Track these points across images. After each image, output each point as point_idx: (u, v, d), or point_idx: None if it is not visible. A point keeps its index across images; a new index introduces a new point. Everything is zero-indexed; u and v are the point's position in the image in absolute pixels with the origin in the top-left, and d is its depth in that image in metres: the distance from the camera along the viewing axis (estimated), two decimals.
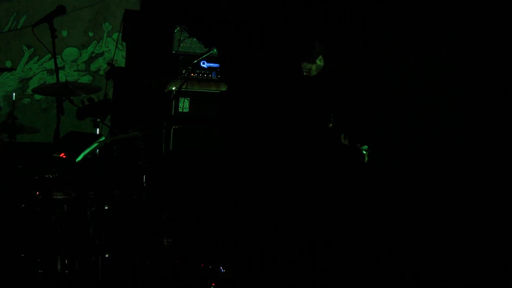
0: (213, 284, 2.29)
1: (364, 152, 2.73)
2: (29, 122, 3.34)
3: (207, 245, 2.53)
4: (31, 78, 3.62)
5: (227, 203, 2.92)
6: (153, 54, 3.42)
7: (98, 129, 2.71)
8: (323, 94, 2.84)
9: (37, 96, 3.62)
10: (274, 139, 3.01)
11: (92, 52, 3.74)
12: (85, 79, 3.77)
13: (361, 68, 3.03)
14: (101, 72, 3.79)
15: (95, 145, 2.40)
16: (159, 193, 2.54)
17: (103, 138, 2.48)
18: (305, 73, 2.83)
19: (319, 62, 2.81)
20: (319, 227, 2.71)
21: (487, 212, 2.56)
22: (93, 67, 3.77)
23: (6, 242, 2.22)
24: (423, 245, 2.59)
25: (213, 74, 3.36)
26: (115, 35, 3.76)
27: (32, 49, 3.55)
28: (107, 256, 2.29)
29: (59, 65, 2.69)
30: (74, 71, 3.72)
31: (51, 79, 3.61)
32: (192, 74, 3.24)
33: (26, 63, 3.58)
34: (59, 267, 2.24)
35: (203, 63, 3.32)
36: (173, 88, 3.22)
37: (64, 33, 3.63)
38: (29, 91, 3.61)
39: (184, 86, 2.94)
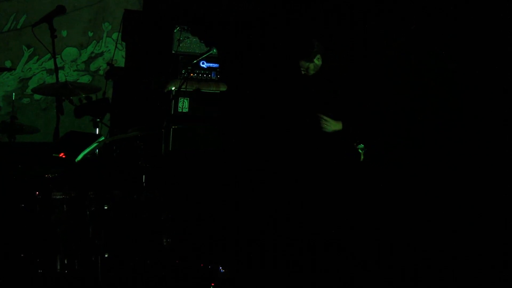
0: (213, 284, 2.30)
1: (360, 151, 2.74)
2: (29, 122, 3.34)
3: (207, 245, 2.54)
4: (30, 78, 3.63)
5: (227, 203, 2.93)
6: (152, 54, 3.43)
7: (97, 129, 2.72)
8: (323, 94, 2.85)
9: (37, 96, 3.63)
10: (274, 139, 3.02)
11: (92, 52, 3.75)
12: (85, 79, 3.78)
13: (361, 68, 3.04)
14: (101, 72, 3.80)
15: (94, 145, 2.41)
16: (159, 193, 2.54)
17: (102, 138, 2.48)
18: (303, 72, 2.83)
19: (317, 61, 2.82)
20: (319, 227, 2.71)
21: (487, 212, 2.57)
22: (92, 67, 3.78)
23: (6, 242, 2.23)
24: (423, 245, 2.60)
25: (212, 74, 3.37)
26: (114, 35, 3.77)
27: (31, 49, 3.56)
28: (106, 256, 2.29)
29: (58, 65, 2.70)
30: (74, 71, 3.73)
31: (50, 79, 3.62)
32: (191, 74, 3.25)
33: (26, 63, 3.59)
34: (58, 267, 2.24)
35: (203, 63, 3.33)
36: (173, 88, 3.23)
37: (64, 33, 3.64)
38: (28, 91, 3.62)
39: (183, 86, 2.95)
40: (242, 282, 2.45)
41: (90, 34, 3.74)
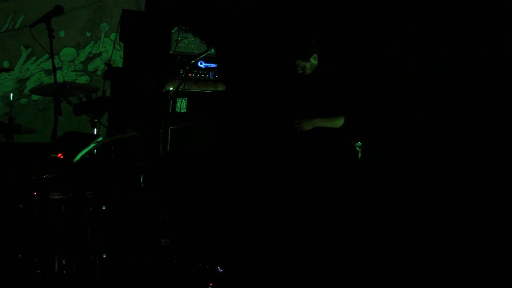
0: (211, 284, 2.33)
1: (358, 148, 2.77)
2: (27, 123, 3.38)
3: (205, 245, 2.57)
4: (28, 78, 3.67)
5: (226, 203, 2.96)
6: (150, 55, 3.47)
7: (95, 129, 2.75)
8: (323, 94, 2.89)
9: (35, 97, 3.67)
10: (274, 139, 3.05)
11: (90, 53, 3.79)
12: (83, 79, 3.81)
13: (361, 68, 3.08)
14: (99, 72, 3.83)
15: (92, 145, 2.44)
16: (157, 193, 2.57)
17: (100, 138, 2.52)
18: (299, 71, 2.87)
19: (314, 60, 2.86)
20: (319, 227, 2.74)
21: (487, 212, 2.60)
22: (90, 67, 3.82)
23: (4, 242, 2.26)
24: (423, 245, 2.63)
25: (210, 74, 3.40)
26: (112, 35, 3.81)
27: (29, 49, 3.60)
28: (104, 256, 2.32)
29: (56, 66, 2.73)
30: (72, 71, 3.77)
31: (48, 79, 3.65)
32: (189, 74, 3.29)
33: (24, 63, 3.63)
34: (57, 267, 2.27)
35: (201, 63, 3.37)
36: (171, 88, 3.27)
37: (62, 33, 3.68)
38: (26, 91, 3.66)
39: (181, 87, 2.99)
40: (241, 282, 2.47)
41: (88, 34, 3.78)
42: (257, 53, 3.39)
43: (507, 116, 2.67)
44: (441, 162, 2.79)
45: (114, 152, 2.65)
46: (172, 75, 3.31)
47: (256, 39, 3.40)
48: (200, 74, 3.38)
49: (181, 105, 3.31)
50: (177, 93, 3.21)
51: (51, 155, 2.47)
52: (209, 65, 3.40)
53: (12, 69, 3.57)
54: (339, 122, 2.83)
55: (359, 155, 2.79)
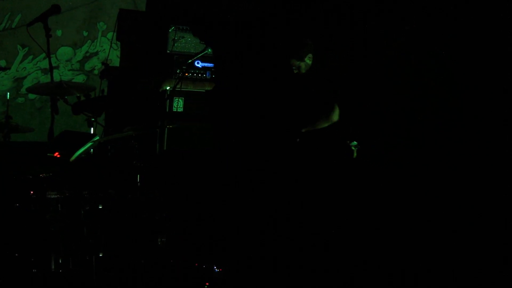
0: (207, 284, 2.36)
1: (353, 148, 2.82)
2: (23, 122, 3.43)
3: (202, 245, 2.60)
4: (25, 77, 3.71)
5: (223, 202, 3.00)
6: (147, 54, 3.51)
7: (92, 129, 2.80)
8: (323, 94, 2.93)
9: (31, 96, 3.71)
10: (274, 139, 3.09)
11: (87, 52, 3.84)
12: (79, 78, 3.86)
13: (361, 68, 3.12)
14: (96, 72, 3.88)
15: (89, 144, 2.48)
16: (154, 193, 2.61)
17: (97, 138, 2.56)
18: (295, 71, 2.92)
19: (308, 60, 2.92)
20: (319, 227, 2.77)
21: (487, 212, 2.63)
22: (87, 66, 3.87)
23: (0, 241, 2.29)
24: (423, 245, 2.66)
25: (207, 74, 3.45)
26: (109, 35, 3.86)
27: (26, 49, 3.65)
28: (101, 255, 2.35)
29: (53, 65, 2.79)
30: (69, 70, 3.81)
31: (45, 79, 3.70)
32: (186, 74, 3.33)
33: (21, 62, 3.67)
34: (53, 266, 2.30)
35: (198, 63, 3.41)
36: (167, 88, 3.31)
37: (59, 33, 3.73)
38: (23, 90, 3.70)
39: (178, 86, 3.03)
40: (239, 282, 2.50)
41: (85, 33, 3.83)
42: (255, 53, 3.43)
43: (507, 116, 2.71)
44: (441, 162, 2.83)
45: (110, 152, 2.69)
46: (169, 74, 3.36)
47: (256, 39, 3.45)
48: (197, 74, 3.43)
49: (178, 104, 3.35)
50: (174, 93, 3.26)
51: (48, 154, 2.51)
52: (206, 64, 3.45)
53: (9, 68, 3.61)
54: (332, 117, 2.88)
55: (355, 154, 2.83)
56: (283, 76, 3.04)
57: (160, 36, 3.44)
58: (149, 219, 2.49)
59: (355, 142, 2.83)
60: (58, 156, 2.52)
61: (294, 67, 2.93)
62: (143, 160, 2.59)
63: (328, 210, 2.82)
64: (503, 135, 2.71)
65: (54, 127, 2.73)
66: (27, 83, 3.71)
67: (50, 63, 2.70)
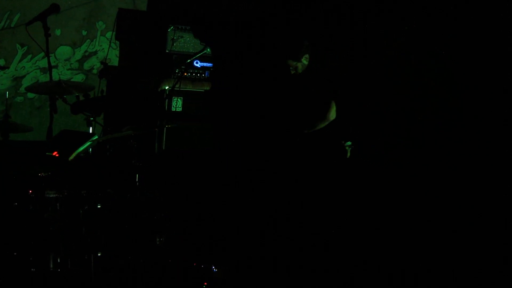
0: (205, 284, 2.37)
1: (347, 148, 2.84)
2: (22, 121, 3.45)
3: (200, 245, 2.62)
4: (24, 76, 3.73)
5: (223, 202, 3.01)
6: (146, 54, 3.53)
7: (91, 128, 2.81)
8: (323, 94, 2.95)
9: (30, 95, 3.72)
10: (274, 139, 3.11)
11: (86, 51, 3.85)
12: (78, 77, 3.87)
13: (361, 68, 3.14)
14: (94, 71, 3.89)
15: (88, 143, 2.49)
16: (153, 192, 2.62)
17: (96, 137, 2.57)
18: (292, 72, 2.95)
19: (305, 61, 2.95)
20: (319, 227, 2.79)
21: (487, 212, 2.65)
22: (86, 65, 3.88)
23: None
24: (423, 245, 2.68)
25: (206, 74, 3.46)
26: (108, 34, 3.87)
27: (25, 48, 3.66)
28: (99, 254, 2.37)
29: (52, 64, 2.80)
30: (68, 69, 3.83)
31: (44, 78, 3.71)
32: (185, 74, 3.35)
33: (20, 61, 3.69)
34: (51, 266, 2.32)
35: (196, 63, 3.43)
36: (166, 87, 3.33)
37: (58, 32, 3.75)
38: (22, 89, 3.72)
39: (177, 86, 3.05)
40: (240, 282, 2.51)
41: (84, 32, 3.85)
42: (255, 53, 3.45)
43: (507, 116, 2.72)
44: (441, 162, 2.84)
45: (109, 151, 2.71)
46: (167, 74, 3.38)
47: (255, 39, 3.47)
48: (196, 74, 3.45)
49: (177, 104, 3.37)
50: (173, 92, 3.27)
51: (47, 153, 2.53)
52: (205, 64, 3.47)
53: (8, 67, 3.63)
54: (328, 116, 2.90)
55: (348, 154, 2.85)
56: (280, 76, 3.06)
57: (159, 36, 3.46)
58: (148, 219, 2.51)
59: (349, 142, 2.85)
60: (57, 155, 2.54)
61: (291, 68, 2.96)
62: (142, 160, 2.61)
63: (328, 210, 2.83)
64: (503, 135, 2.73)
65: (53, 126, 2.75)
66: (26, 82, 3.73)
67: (49, 62, 2.72)
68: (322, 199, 2.85)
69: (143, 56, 3.55)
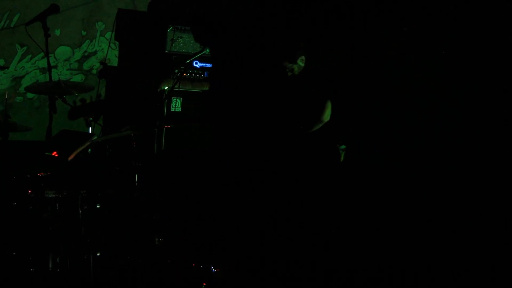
0: (204, 284, 2.38)
1: (341, 151, 2.85)
2: (22, 121, 3.45)
3: (199, 245, 2.63)
4: (23, 76, 3.74)
5: (223, 202, 3.02)
6: (146, 54, 3.54)
7: (90, 128, 2.82)
8: (318, 96, 2.96)
9: (30, 95, 3.73)
10: (274, 139, 3.12)
11: (85, 51, 3.86)
12: (78, 78, 3.88)
13: (361, 68, 3.15)
14: (94, 71, 3.90)
15: (87, 144, 2.50)
16: (152, 192, 2.64)
17: (95, 137, 2.58)
18: (289, 74, 2.97)
19: (301, 62, 2.97)
20: (319, 227, 2.80)
21: (487, 212, 2.65)
22: (86, 66, 3.89)
23: None
24: (423, 245, 2.69)
25: (205, 74, 3.48)
26: (108, 34, 3.88)
27: (25, 48, 3.67)
28: (98, 254, 2.38)
29: (52, 64, 2.81)
30: (67, 70, 3.84)
31: (43, 78, 3.72)
32: (184, 74, 3.36)
33: (19, 61, 3.70)
34: (50, 266, 2.33)
35: (196, 63, 3.44)
36: (166, 88, 3.34)
37: (57, 32, 3.76)
38: (21, 89, 3.72)
39: (176, 86, 3.06)
40: (240, 282, 2.52)
41: (84, 33, 3.86)
42: (254, 54, 3.46)
43: (507, 116, 2.73)
44: (441, 162, 2.85)
45: (108, 151, 2.72)
46: (167, 74, 3.39)
47: (256, 39, 3.48)
48: (195, 74, 3.47)
49: (176, 104, 3.38)
50: (172, 93, 3.29)
51: (46, 153, 2.54)
52: (204, 64, 3.48)
53: (7, 67, 3.64)
54: (322, 118, 2.91)
55: (342, 157, 2.87)
56: (277, 78, 3.08)
57: (158, 36, 3.47)
58: (147, 219, 2.52)
59: (343, 146, 2.87)
60: (56, 155, 2.55)
61: (287, 70, 2.97)
62: (141, 160, 2.62)
63: (328, 210, 2.84)
64: (503, 135, 2.74)
65: (52, 126, 2.76)
66: (25, 82, 3.74)
67: (48, 63, 2.73)
68: (322, 199, 2.86)
69: (142, 57, 3.57)
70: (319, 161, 2.91)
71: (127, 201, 2.55)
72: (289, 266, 2.66)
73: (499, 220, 2.63)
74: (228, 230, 2.85)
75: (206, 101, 3.44)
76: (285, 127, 3.04)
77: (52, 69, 2.80)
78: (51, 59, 3.09)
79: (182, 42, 3.47)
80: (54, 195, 2.42)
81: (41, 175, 2.42)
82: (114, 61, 3.87)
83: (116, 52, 3.86)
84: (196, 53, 3.10)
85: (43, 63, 3.71)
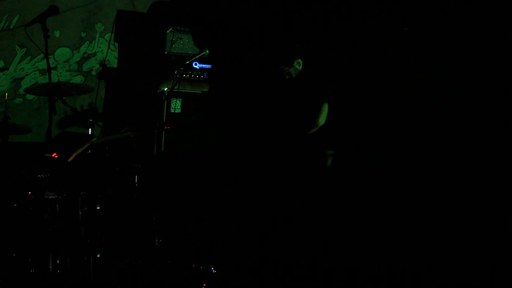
0: (204, 285, 2.39)
1: (329, 156, 2.87)
2: (21, 122, 3.47)
3: (199, 246, 2.64)
4: (23, 78, 3.75)
5: (223, 202, 3.04)
6: (145, 55, 3.56)
7: (90, 129, 2.84)
8: (320, 97, 2.98)
9: (29, 96, 3.75)
10: (274, 139, 3.13)
11: (85, 53, 3.88)
12: (77, 79, 3.90)
13: (361, 68, 3.17)
14: (93, 73, 3.92)
15: (87, 145, 2.52)
16: (152, 193, 2.65)
17: (95, 139, 2.60)
18: (287, 77, 2.99)
19: (297, 65, 2.99)
20: (319, 227, 2.81)
21: (487, 212, 2.67)
22: (85, 67, 3.91)
23: None
24: (423, 245, 2.70)
25: (205, 75, 3.50)
26: (107, 36, 3.90)
27: (24, 49, 3.69)
28: (98, 255, 2.40)
29: (51, 65, 2.84)
30: (67, 71, 3.85)
31: (43, 79, 3.74)
32: (184, 75, 3.38)
33: (19, 63, 3.72)
34: (50, 267, 2.35)
35: (195, 64, 3.46)
36: (165, 89, 3.36)
37: (57, 33, 3.78)
38: (21, 91, 3.74)
39: (176, 87, 3.08)
40: (240, 282, 2.53)
41: (83, 34, 3.88)
42: (257, 54, 3.47)
43: (507, 116, 2.75)
44: (441, 162, 2.87)
45: (108, 152, 2.74)
46: (166, 75, 3.41)
47: (256, 39, 3.49)
48: (195, 75, 3.48)
49: (176, 105, 3.40)
50: (172, 94, 3.31)
51: (46, 154, 2.56)
52: (203, 65, 3.50)
53: (7, 69, 3.66)
54: (317, 122, 2.93)
55: (329, 162, 2.88)
56: (275, 81, 3.10)
57: (158, 37, 3.49)
58: (147, 220, 2.53)
59: (331, 151, 2.89)
60: (56, 156, 2.57)
61: (285, 73, 3.00)
62: (141, 161, 2.64)
63: (328, 210, 2.86)
64: (503, 135, 2.75)
65: (52, 127, 2.78)
66: (25, 84, 3.75)
67: (48, 64, 2.76)
68: (322, 199, 2.87)
69: (142, 58, 3.59)
70: (307, 165, 2.93)
71: (127, 202, 2.57)
72: (289, 266, 2.67)
73: (499, 220, 2.64)
74: (228, 230, 2.87)
75: (206, 101, 3.45)
76: (285, 128, 3.06)
77: (52, 71, 2.83)
78: (51, 61, 3.11)
79: (181, 43, 3.49)
80: (54, 196, 2.44)
81: (41, 176, 2.44)
82: (113, 62, 3.89)
83: (116, 54, 3.88)
84: (196, 54, 3.12)
85: (42, 65, 3.73)
